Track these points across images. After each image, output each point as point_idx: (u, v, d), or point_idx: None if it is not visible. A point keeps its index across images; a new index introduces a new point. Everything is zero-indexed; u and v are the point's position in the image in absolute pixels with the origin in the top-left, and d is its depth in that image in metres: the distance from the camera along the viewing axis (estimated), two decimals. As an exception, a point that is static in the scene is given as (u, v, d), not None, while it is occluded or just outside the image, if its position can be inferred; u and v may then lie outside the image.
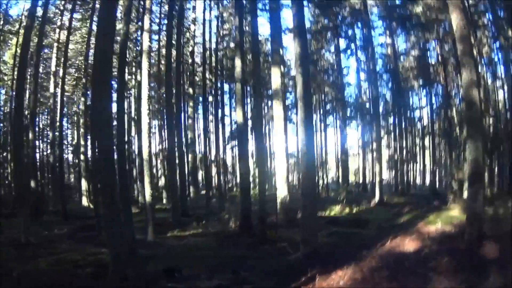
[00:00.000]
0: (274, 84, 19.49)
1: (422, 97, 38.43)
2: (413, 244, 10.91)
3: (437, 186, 33.69)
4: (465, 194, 18.84)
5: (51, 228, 17.57)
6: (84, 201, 31.70)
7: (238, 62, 16.79)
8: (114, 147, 10.73)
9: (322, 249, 11.06)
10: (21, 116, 13.92)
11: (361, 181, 40.95)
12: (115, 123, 12.90)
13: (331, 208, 22.97)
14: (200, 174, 42.70)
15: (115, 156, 10.71)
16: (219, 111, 40.43)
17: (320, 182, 45.39)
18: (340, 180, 38.34)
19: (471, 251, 9.25)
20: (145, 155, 16.74)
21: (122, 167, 12.46)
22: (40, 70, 34.52)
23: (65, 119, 34.62)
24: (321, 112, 45.96)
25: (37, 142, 36.29)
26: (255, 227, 14.58)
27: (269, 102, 42.75)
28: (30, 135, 23.02)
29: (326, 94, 44.89)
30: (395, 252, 10.14)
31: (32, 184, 22.74)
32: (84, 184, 32.55)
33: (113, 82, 20.04)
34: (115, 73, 16.83)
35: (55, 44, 28.83)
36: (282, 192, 18.19)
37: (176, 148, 20.57)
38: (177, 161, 21.03)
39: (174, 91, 24.29)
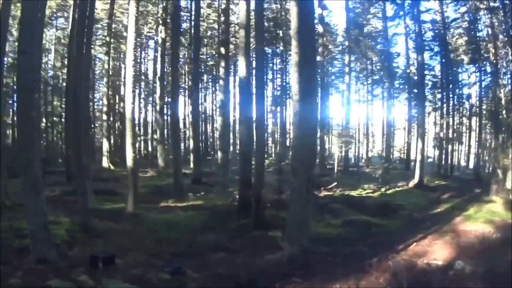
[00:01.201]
0: (293, 28, 16.49)
1: (471, 73, 34.34)
2: (443, 254, 7.95)
3: (480, 170, 30.25)
4: (509, 184, 16.89)
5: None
6: (105, 162, 29.94)
7: (242, 5, 13.61)
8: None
9: (319, 247, 8.24)
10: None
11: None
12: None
13: (364, 186, 20.15)
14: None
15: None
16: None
17: (364, 155, 43.07)
18: (384, 155, 35.23)
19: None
20: (127, 113, 13.95)
21: (76, 128, 10.04)
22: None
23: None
24: (368, 82, 43.15)
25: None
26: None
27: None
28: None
29: (374, 63, 41.51)
30: (415, 265, 7.16)
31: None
32: (105, 144, 30.77)
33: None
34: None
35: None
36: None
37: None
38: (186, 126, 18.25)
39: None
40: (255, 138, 12.78)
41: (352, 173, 28.24)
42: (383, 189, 19.38)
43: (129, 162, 13.49)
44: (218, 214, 12.49)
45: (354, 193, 18.52)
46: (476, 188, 19.58)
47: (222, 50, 31.64)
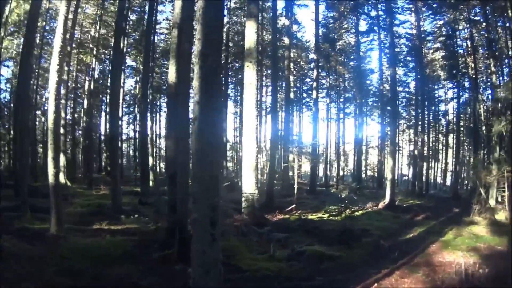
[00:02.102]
0: (247, 42, 15.42)
1: (448, 89, 34.38)
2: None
3: (459, 188, 29.94)
4: (492, 202, 16.00)
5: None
6: (62, 178, 27.72)
7: (178, 3, 11.75)
8: None
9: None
10: None
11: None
12: None
13: (328, 208, 18.23)
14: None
15: None
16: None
17: (335, 173, 42.19)
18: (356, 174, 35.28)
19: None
20: (50, 122, 11.86)
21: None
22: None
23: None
24: (340, 100, 42.47)
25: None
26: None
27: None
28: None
29: (346, 80, 40.71)
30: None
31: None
32: (62, 159, 28.46)
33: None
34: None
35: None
36: (248, 186, 13.89)
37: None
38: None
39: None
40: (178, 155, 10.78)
41: (319, 193, 26.72)
42: (348, 211, 17.50)
43: (50, 178, 11.43)
44: (145, 241, 10.57)
45: (314, 216, 16.73)
46: (454, 207, 18.70)
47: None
